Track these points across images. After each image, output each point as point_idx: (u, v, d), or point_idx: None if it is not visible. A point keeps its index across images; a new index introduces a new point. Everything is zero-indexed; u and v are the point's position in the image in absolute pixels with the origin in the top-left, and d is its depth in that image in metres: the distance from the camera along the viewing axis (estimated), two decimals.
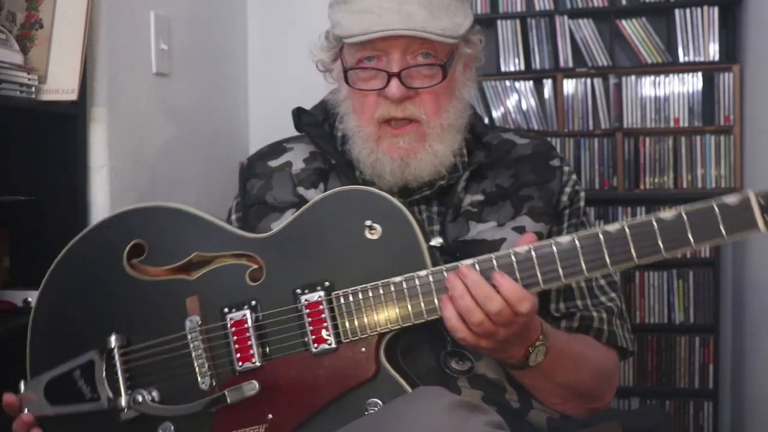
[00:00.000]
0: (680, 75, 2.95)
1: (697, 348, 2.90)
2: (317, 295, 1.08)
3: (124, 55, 1.85)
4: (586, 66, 3.01)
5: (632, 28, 2.99)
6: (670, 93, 2.96)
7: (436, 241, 1.09)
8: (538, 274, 1.03)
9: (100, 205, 1.76)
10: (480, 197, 1.29)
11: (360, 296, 1.07)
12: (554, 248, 1.02)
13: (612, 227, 1.01)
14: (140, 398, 1.10)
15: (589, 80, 3.00)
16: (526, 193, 1.29)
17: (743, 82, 2.87)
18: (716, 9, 2.92)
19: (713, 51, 2.93)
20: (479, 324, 1.02)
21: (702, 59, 2.93)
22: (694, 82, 2.95)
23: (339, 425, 1.03)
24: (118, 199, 1.80)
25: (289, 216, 1.28)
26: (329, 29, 1.32)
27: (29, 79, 1.56)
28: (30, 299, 1.60)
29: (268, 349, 1.10)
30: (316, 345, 1.08)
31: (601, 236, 1.01)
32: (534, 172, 1.32)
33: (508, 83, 3.04)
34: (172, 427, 1.11)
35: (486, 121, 3.01)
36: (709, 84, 2.93)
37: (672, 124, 2.96)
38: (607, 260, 1.01)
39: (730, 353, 2.94)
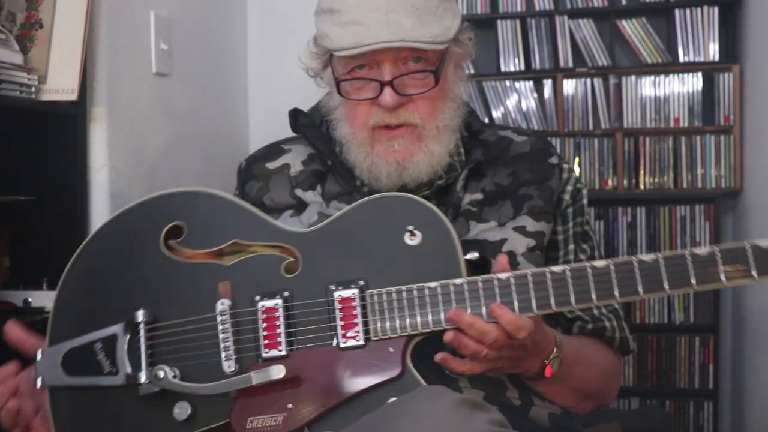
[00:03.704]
0: (680, 75, 2.95)
1: (697, 348, 2.90)
2: (351, 292, 1.09)
3: (124, 55, 1.85)
4: (586, 66, 3.01)
5: (632, 28, 2.99)
6: (670, 93, 2.96)
7: (472, 255, 1.11)
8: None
9: (100, 205, 1.76)
10: (479, 196, 1.29)
11: (394, 296, 1.08)
12: (588, 270, 1.07)
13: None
14: (162, 374, 1.08)
15: (589, 80, 3.00)
16: (525, 192, 1.29)
17: (743, 82, 2.87)
18: (716, 9, 2.91)
19: (713, 51, 2.92)
20: (477, 353, 1.05)
21: (702, 59, 2.93)
22: (694, 82, 2.94)
23: (356, 419, 1.03)
24: (118, 199, 1.80)
25: (286, 216, 1.29)
26: (317, 36, 1.31)
27: (29, 79, 1.56)
28: (30, 299, 1.60)
29: (295, 339, 1.10)
30: (344, 340, 1.08)
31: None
32: (532, 170, 1.32)
33: (508, 83, 3.04)
34: (189, 408, 1.09)
35: (486, 120, 3.01)
36: (709, 84, 2.93)
37: (672, 124, 2.96)
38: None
39: (730, 353, 2.94)
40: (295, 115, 1.39)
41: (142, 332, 1.12)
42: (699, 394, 2.89)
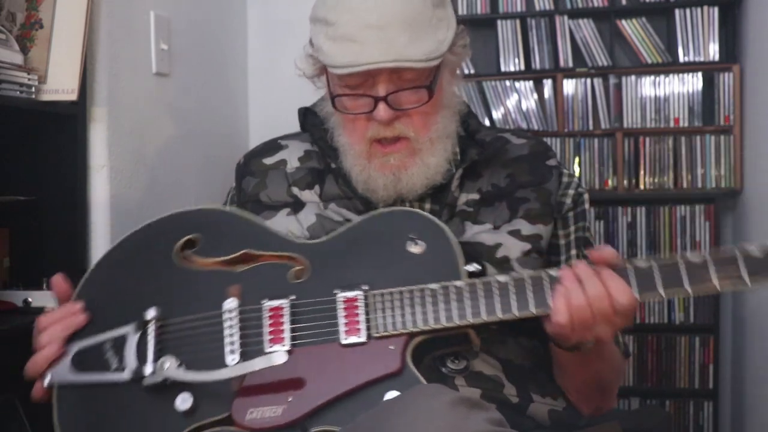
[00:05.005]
0: (680, 75, 2.95)
1: (697, 348, 2.90)
2: (355, 293, 1.13)
3: (124, 55, 1.85)
4: (586, 66, 3.01)
5: (632, 28, 2.99)
6: (670, 93, 2.96)
7: (473, 267, 1.15)
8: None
9: (100, 205, 1.76)
10: (476, 196, 1.29)
11: (395, 296, 1.12)
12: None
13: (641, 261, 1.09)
14: (167, 364, 1.10)
15: (589, 80, 3.00)
16: (521, 195, 1.29)
17: (743, 82, 2.87)
18: (716, 9, 2.91)
19: (713, 51, 2.93)
20: (581, 311, 1.06)
21: (702, 59, 2.93)
22: (694, 82, 2.94)
23: (355, 414, 1.04)
24: (118, 199, 1.80)
25: (283, 215, 1.30)
26: (312, 41, 1.31)
27: (29, 79, 1.56)
28: (30, 299, 1.60)
29: (299, 335, 1.13)
30: (346, 336, 1.11)
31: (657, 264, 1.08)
32: (531, 173, 1.32)
33: (508, 83, 3.04)
34: (191, 400, 1.10)
35: (486, 122, 3.01)
36: (709, 84, 2.93)
37: (672, 124, 2.96)
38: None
39: (730, 353, 2.94)
40: (304, 113, 1.40)
41: (151, 328, 1.14)
42: (699, 394, 2.89)
